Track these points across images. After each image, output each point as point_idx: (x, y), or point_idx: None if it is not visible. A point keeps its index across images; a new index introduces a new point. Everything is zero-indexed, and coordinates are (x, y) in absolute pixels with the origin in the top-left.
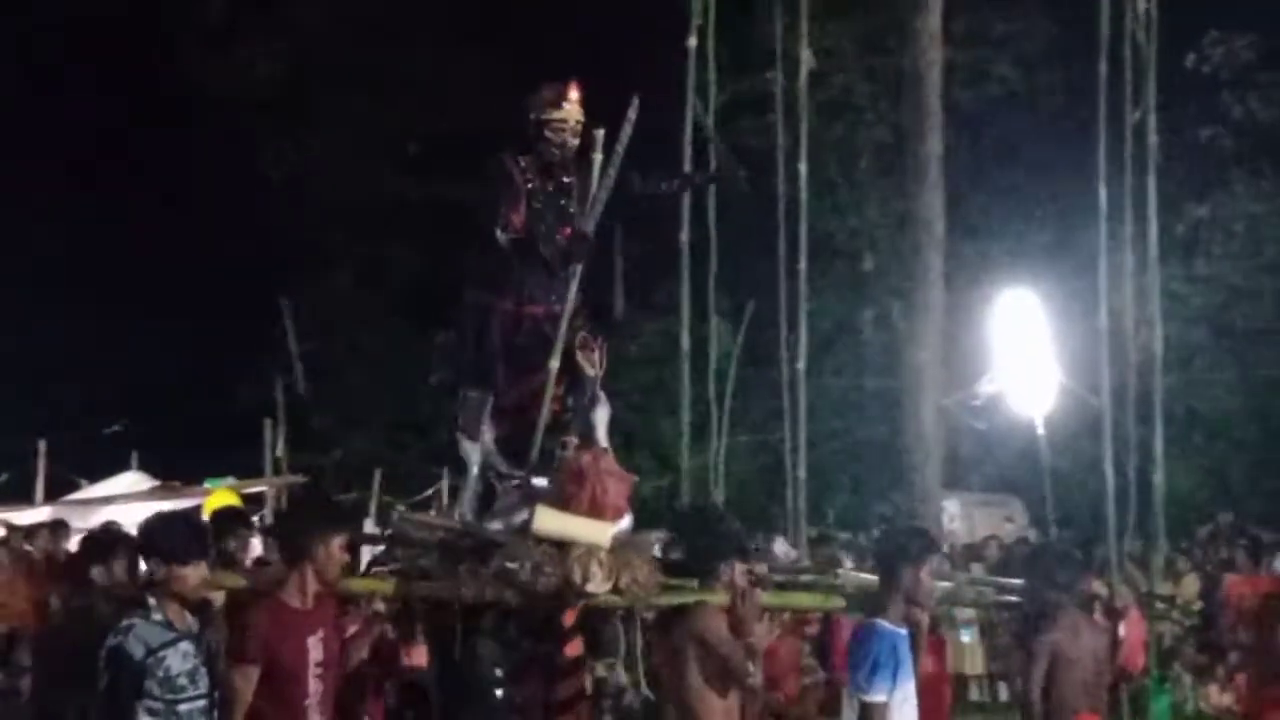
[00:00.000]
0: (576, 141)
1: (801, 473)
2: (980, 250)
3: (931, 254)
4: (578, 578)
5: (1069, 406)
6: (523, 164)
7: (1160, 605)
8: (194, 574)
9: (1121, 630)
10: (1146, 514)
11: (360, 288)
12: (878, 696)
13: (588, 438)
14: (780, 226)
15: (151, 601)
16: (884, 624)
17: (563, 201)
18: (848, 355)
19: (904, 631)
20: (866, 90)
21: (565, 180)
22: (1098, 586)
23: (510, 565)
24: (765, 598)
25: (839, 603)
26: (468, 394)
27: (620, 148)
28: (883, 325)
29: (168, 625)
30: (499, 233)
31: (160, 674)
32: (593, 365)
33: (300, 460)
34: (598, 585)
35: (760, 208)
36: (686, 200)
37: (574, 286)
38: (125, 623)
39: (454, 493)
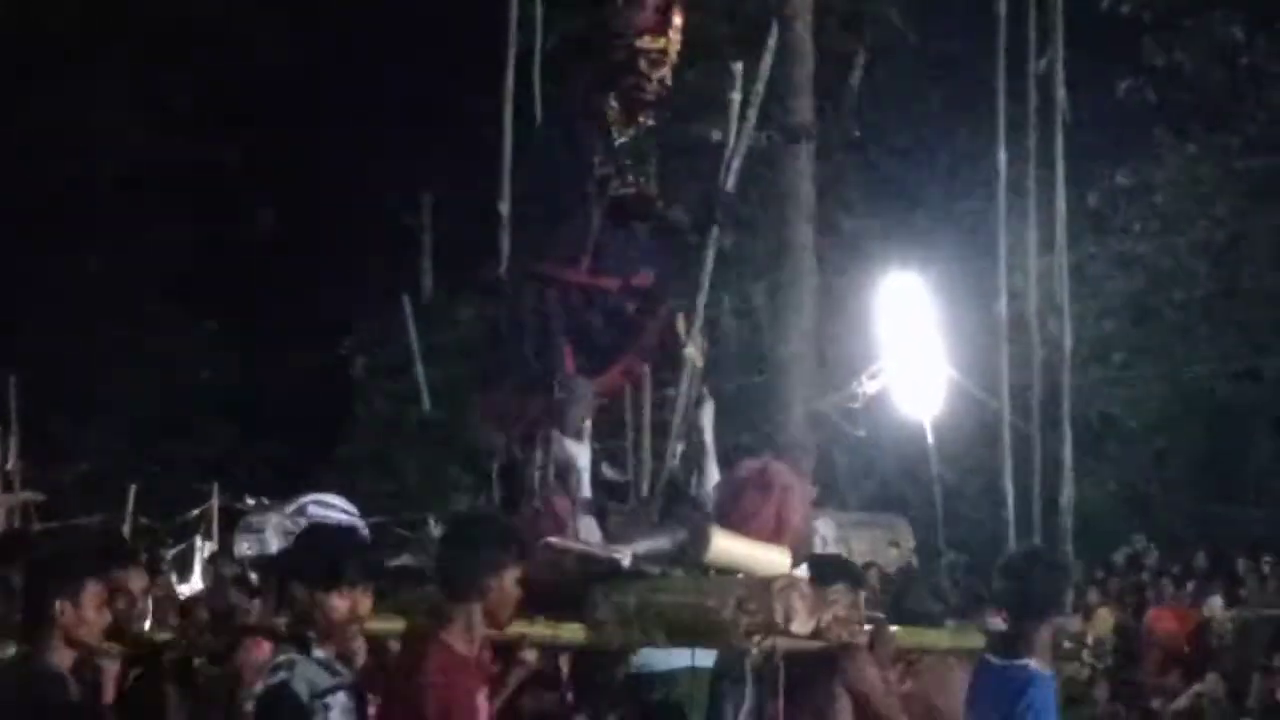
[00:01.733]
0: (670, 79)
1: (645, 490)
2: (859, 226)
3: (800, 230)
4: (780, 616)
5: (963, 410)
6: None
7: (1068, 644)
8: (349, 605)
9: None
10: (1053, 536)
11: (112, 267)
12: None
13: (695, 443)
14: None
15: (312, 635)
16: (1038, 668)
17: (646, 149)
18: None
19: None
20: (726, 33)
21: (648, 124)
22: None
23: (666, 600)
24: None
25: (977, 641)
26: (571, 381)
27: (761, 86)
28: (744, 314)
29: (329, 668)
30: (593, 189)
31: None
32: (701, 353)
33: (37, 474)
34: (801, 625)
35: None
36: (507, 160)
37: (711, 254)
38: (284, 658)
39: (227, 514)
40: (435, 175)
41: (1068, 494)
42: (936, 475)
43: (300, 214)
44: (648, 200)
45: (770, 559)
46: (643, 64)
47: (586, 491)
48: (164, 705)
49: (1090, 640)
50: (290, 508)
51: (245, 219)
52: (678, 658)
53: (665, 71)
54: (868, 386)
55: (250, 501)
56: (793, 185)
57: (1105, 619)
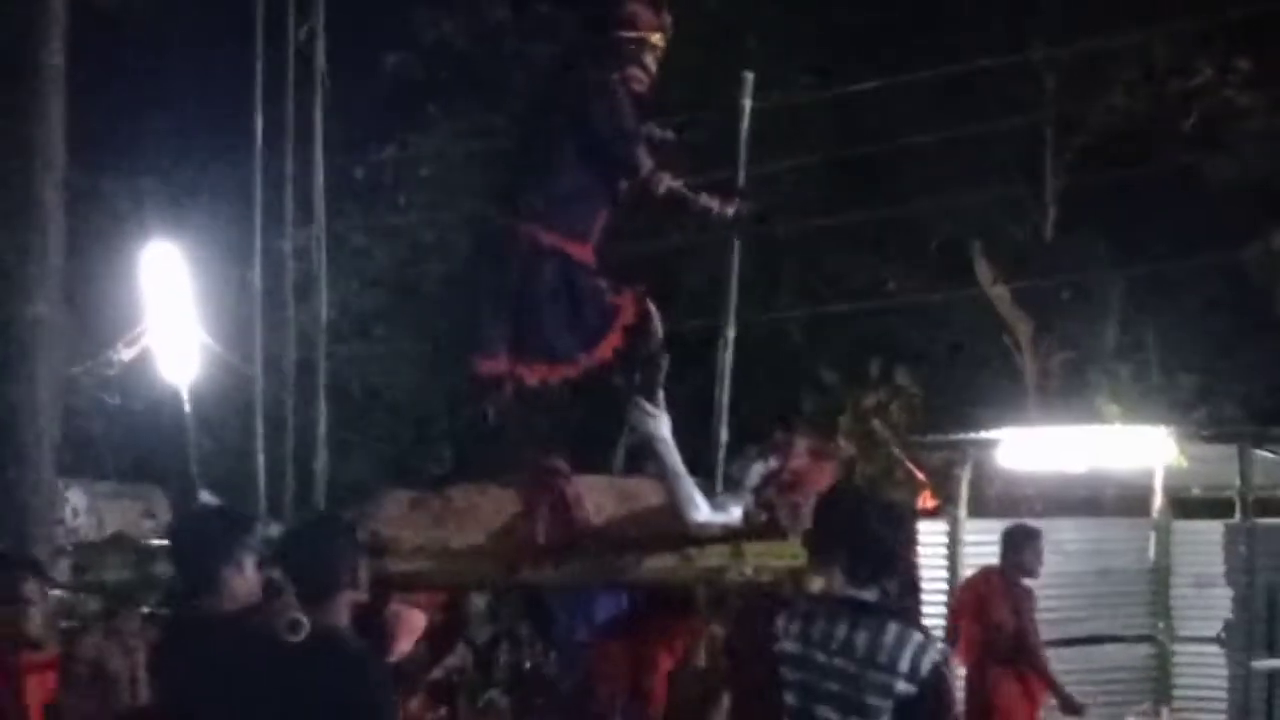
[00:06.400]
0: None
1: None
2: (121, 188)
3: (48, 188)
4: None
5: (222, 379)
6: None
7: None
8: None
9: None
10: (308, 504)
11: None
12: None
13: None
14: None
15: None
16: None
17: None
18: None
19: None
20: None
21: None
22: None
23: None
24: None
25: None
26: (661, 352)
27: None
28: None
29: None
30: (638, 176)
31: None
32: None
33: None
34: None
35: None
36: None
37: (737, 258)
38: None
39: None
40: None
41: (322, 462)
42: (194, 444)
43: None
44: (687, 194)
45: None
46: (649, 60)
47: (677, 459)
48: None
49: None
50: None
51: None
52: None
53: (655, 69)
54: (124, 353)
55: None
56: (42, 143)
57: None
